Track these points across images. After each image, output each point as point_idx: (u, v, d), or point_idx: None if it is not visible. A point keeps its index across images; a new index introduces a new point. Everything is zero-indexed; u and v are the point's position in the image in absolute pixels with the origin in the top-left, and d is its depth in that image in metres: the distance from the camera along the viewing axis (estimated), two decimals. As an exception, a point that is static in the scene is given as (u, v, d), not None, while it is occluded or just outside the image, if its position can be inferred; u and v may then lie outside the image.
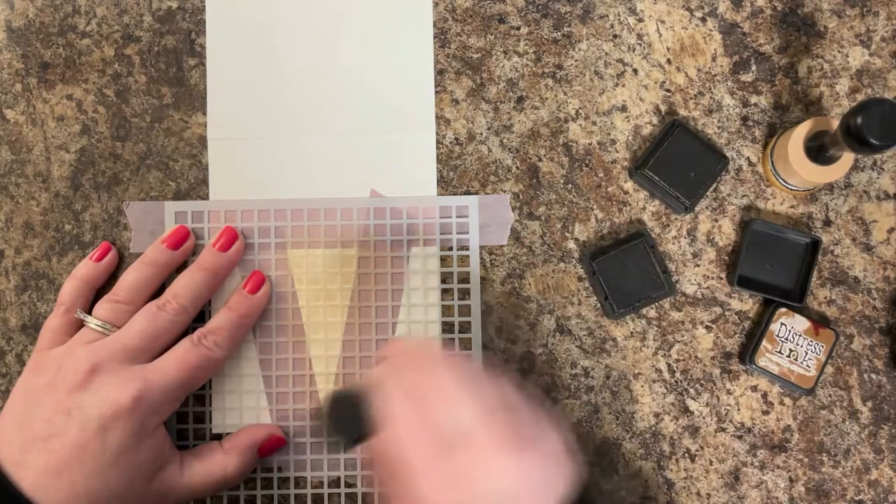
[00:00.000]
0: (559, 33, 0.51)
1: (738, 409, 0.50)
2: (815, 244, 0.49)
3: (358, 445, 0.37)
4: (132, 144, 0.51)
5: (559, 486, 0.35)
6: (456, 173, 0.51)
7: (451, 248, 0.50)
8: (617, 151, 0.51)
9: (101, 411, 0.41)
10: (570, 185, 0.51)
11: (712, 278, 0.50)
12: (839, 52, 0.51)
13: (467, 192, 0.51)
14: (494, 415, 0.36)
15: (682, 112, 0.51)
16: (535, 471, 0.35)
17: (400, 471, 0.36)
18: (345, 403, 0.37)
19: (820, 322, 0.49)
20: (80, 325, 0.46)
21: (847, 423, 0.49)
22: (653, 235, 0.50)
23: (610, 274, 0.49)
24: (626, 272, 0.49)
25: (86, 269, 0.48)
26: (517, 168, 0.51)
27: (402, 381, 0.37)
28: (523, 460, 0.35)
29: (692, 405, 0.50)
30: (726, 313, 0.50)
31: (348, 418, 0.36)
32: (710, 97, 0.51)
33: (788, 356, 0.48)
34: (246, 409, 0.49)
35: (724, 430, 0.49)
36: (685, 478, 0.49)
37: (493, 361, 0.50)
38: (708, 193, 0.50)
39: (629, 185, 0.51)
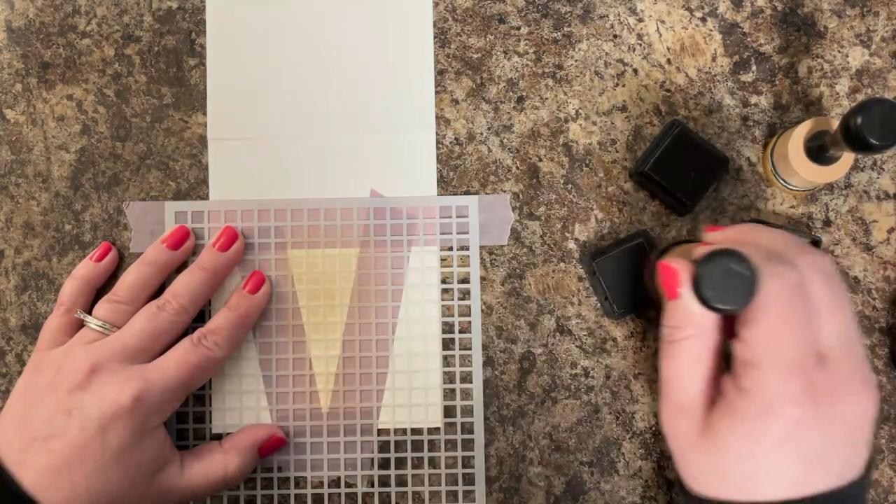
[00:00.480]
0: (559, 33, 0.51)
1: (738, 409, 0.50)
2: (815, 244, 0.49)
3: (729, 313, 0.35)
4: (132, 144, 0.51)
5: (871, 443, 0.36)
6: (456, 173, 0.51)
7: (451, 248, 0.50)
8: (617, 151, 0.51)
9: (101, 411, 0.41)
10: (570, 185, 0.51)
11: (712, 278, 0.50)
12: (839, 52, 0.51)
13: (467, 192, 0.51)
14: (855, 346, 0.36)
15: (683, 112, 0.51)
16: (873, 416, 0.35)
17: (764, 364, 0.35)
18: (728, 267, 0.34)
19: (820, 322, 0.49)
20: (80, 325, 0.46)
21: (847, 423, 0.49)
22: (652, 235, 0.50)
23: (610, 274, 0.49)
24: (627, 272, 0.49)
25: (86, 269, 0.49)
26: (517, 168, 0.51)
27: (786, 278, 0.36)
28: (872, 400, 0.35)
29: (692, 405, 0.50)
30: (726, 313, 0.50)
31: (733, 288, 0.34)
32: (711, 97, 0.51)
33: (788, 356, 0.48)
34: (246, 409, 0.49)
35: (724, 430, 0.49)
36: (685, 478, 0.49)
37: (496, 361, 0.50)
38: (708, 193, 0.50)
39: (629, 185, 0.51)
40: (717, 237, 0.41)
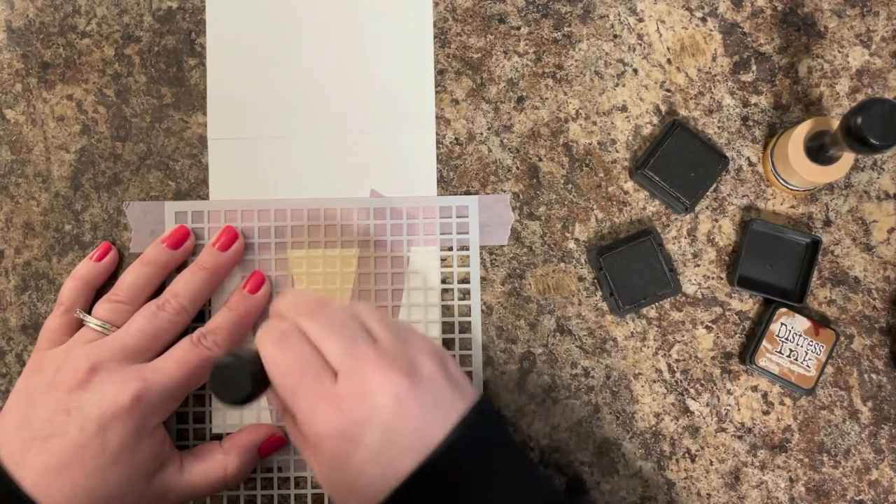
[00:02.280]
0: (559, 33, 0.51)
1: (739, 409, 0.50)
2: (815, 244, 0.49)
3: (250, 403, 0.38)
4: (132, 144, 0.51)
5: (447, 411, 0.37)
6: (456, 173, 0.51)
7: (451, 248, 0.50)
8: (617, 151, 0.51)
9: (100, 411, 0.41)
10: (570, 185, 0.51)
11: (712, 278, 0.50)
12: (839, 52, 0.51)
13: (467, 192, 0.51)
14: (357, 346, 0.38)
15: (683, 112, 0.51)
16: (410, 393, 0.37)
17: (293, 409, 0.38)
18: (229, 366, 0.38)
19: (820, 322, 0.49)
20: (80, 324, 0.46)
21: (847, 423, 0.49)
22: (659, 233, 0.50)
23: (616, 270, 0.48)
24: (633, 269, 0.48)
25: (86, 268, 0.48)
26: (517, 168, 0.51)
27: (272, 333, 0.39)
28: (393, 382, 0.37)
29: (692, 405, 0.50)
30: (726, 313, 0.50)
31: (234, 379, 0.37)
32: (711, 97, 0.51)
33: (789, 356, 0.48)
34: (246, 410, 0.49)
35: (724, 430, 0.49)
36: (685, 478, 0.49)
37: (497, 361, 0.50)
38: (708, 193, 0.50)
39: (629, 185, 0.51)
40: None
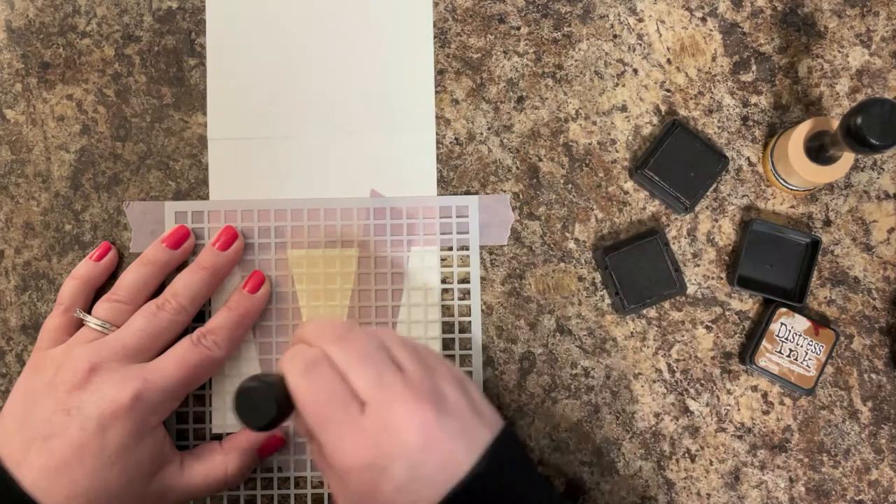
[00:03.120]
0: (559, 33, 0.51)
1: (739, 409, 0.50)
2: (815, 244, 0.49)
3: (274, 427, 0.38)
4: (132, 144, 0.51)
5: (473, 441, 0.38)
6: (456, 173, 0.51)
7: (451, 248, 0.50)
8: (617, 151, 0.51)
9: (100, 410, 0.41)
10: (570, 185, 0.51)
11: (712, 278, 0.50)
12: (839, 52, 0.51)
13: (467, 192, 0.51)
14: (385, 376, 0.38)
15: (682, 112, 0.51)
16: (437, 424, 0.37)
17: (320, 438, 0.38)
18: (255, 390, 0.38)
19: (820, 322, 0.49)
20: (80, 324, 0.46)
21: (847, 423, 0.49)
22: (666, 233, 0.50)
23: (622, 269, 0.48)
24: (639, 268, 0.48)
25: (85, 268, 0.48)
26: (517, 168, 0.51)
27: (299, 360, 0.39)
28: (421, 415, 0.37)
29: (692, 405, 0.50)
30: (726, 313, 0.50)
31: (260, 404, 0.38)
32: (710, 97, 0.51)
33: (788, 356, 0.48)
34: (246, 409, 0.49)
35: (724, 430, 0.49)
36: (685, 478, 0.49)
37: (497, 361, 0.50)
38: (708, 193, 0.50)
39: (629, 185, 0.51)
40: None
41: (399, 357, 0.39)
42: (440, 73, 0.51)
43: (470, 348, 0.50)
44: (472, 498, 0.37)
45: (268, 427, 0.38)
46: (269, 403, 0.38)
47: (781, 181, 0.49)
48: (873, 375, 0.50)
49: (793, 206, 0.50)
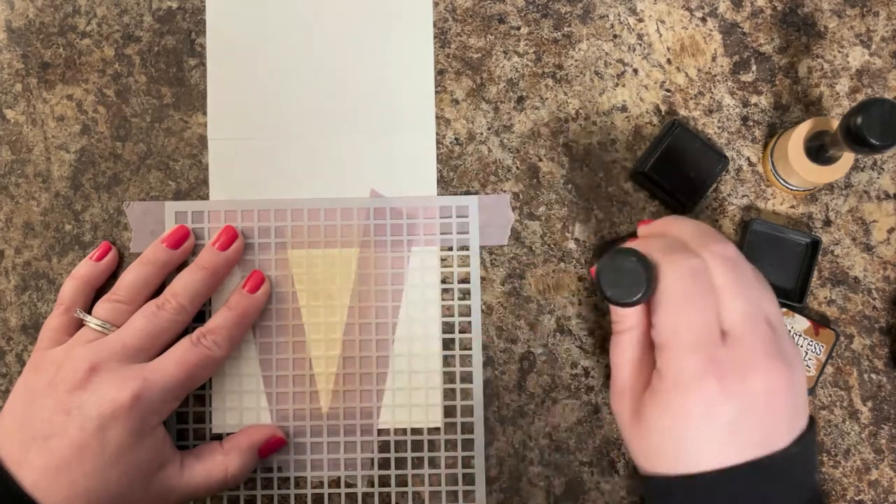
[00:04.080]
0: (559, 33, 0.51)
1: (739, 409, 0.50)
2: (815, 244, 0.49)
3: (631, 306, 0.38)
4: (132, 144, 0.51)
5: (795, 421, 0.38)
6: (456, 173, 0.51)
7: (451, 248, 0.50)
8: (617, 151, 0.51)
9: (100, 410, 0.41)
10: (570, 185, 0.51)
11: (712, 278, 0.50)
12: (839, 52, 0.51)
13: (467, 192, 0.51)
14: (758, 323, 0.37)
15: (683, 112, 0.51)
16: (788, 387, 0.37)
17: (670, 345, 0.38)
18: (625, 268, 0.38)
19: (820, 322, 0.49)
20: (80, 324, 0.46)
21: (847, 423, 0.49)
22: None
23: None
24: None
25: (86, 268, 0.48)
26: (517, 168, 0.51)
27: (684, 265, 0.38)
28: (782, 372, 0.37)
29: (692, 405, 0.50)
30: (726, 313, 0.50)
31: (628, 281, 0.37)
32: (711, 97, 0.51)
33: (788, 356, 0.48)
34: (246, 409, 0.49)
35: (724, 430, 0.49)
36: (685, 478, 0.49)
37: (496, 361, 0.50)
38: (708, 193, 0.50)
39: (629, 185, 0.51)
40: (644, 231, 0.45)
41: (767, 304, 0.39)
42: (440, 73, 0.51)
43: (470, 348, 0.50)
44: (775, 471, 0.37)
45: (630, 304, 0.37)
46: (639, 284, 0.37)
47: (781, 181, 0.49)
48: (873, 375, 0.50)
49: (793, 206, 0.50)
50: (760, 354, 0.37)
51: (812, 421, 0.39)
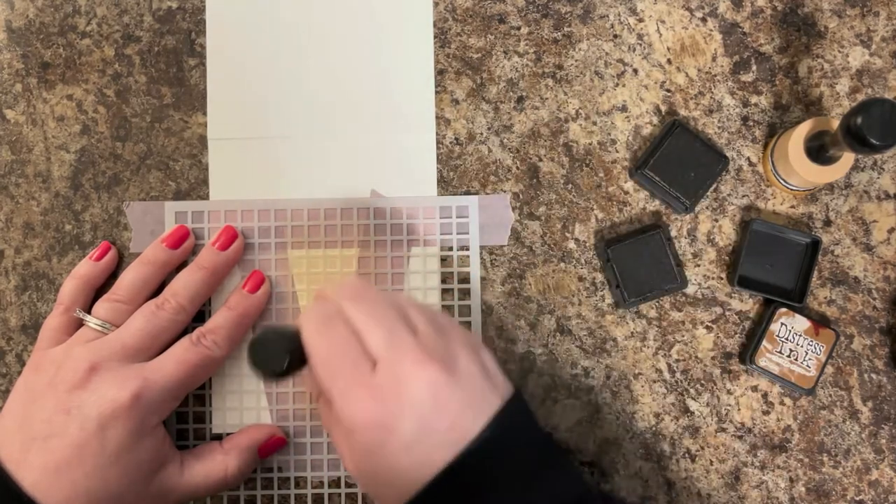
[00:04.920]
0: (559, 33, 0.51)
1: (739, 410, 0.50)
2: (815, 244, 0.49)
3: (284, 379, 0.39)
4: (132, 144, 0.51)
5: (482, 405, 0.38)
6: (456, 173, 0.51)
7: (451, 248, 0.50)
8: (617, 151, 0.51)
9: (100, 410, 0.41)
10: (570, 185, 0.51)
11: (712, 278, 0.50)
12: (839, 52, 0.51)
13: (467, 192, 0.51)
14: (398, 336, 0.38)
15: (683, 112, 0.51)
16: (447, 386, 0.37)
17: (329, 394, 0.38)
18: (270, 340, 0.39)
19: (820, 322, 0.49)
20: (80, 324, 0.46)
21: (847, 423, 0.49)
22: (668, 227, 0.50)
23: (624, 262, 0.48)
24: (641, 262, 0.48)
25: (85, 268, 0.48)
26: (517, 168, 0.51)
27: (316, 316, 0.39)
28: (431, 375, 0.37)
29: (692, 405, 0.50)
30: (726, 313, 0.50)
31: (272, 354, 0.38)
32: (711, 97, 0.51)
33: (789, 356, 0.48)
34: (246, 409, 0.49)
35: (724, 430, 0.49)
36: (685, 478, 0.49)
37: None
38: (708, 193, 0.50)
39: (629, 185, 0.51)
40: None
41: (414, 319, 0.39)
42: (440, 73, 0.51)
43: (470, 348, 0.50)
44: (480, 463, 0.37)
45: (279, 377, 0.38)
46: (282, 353, 0.38)
47: (781, 181, 0.49)
48: (873, 375, 0.50)
49: (793, 206, 0.50)
50: (408, 365, 0.37)
51: (515, 395, 0.39)
